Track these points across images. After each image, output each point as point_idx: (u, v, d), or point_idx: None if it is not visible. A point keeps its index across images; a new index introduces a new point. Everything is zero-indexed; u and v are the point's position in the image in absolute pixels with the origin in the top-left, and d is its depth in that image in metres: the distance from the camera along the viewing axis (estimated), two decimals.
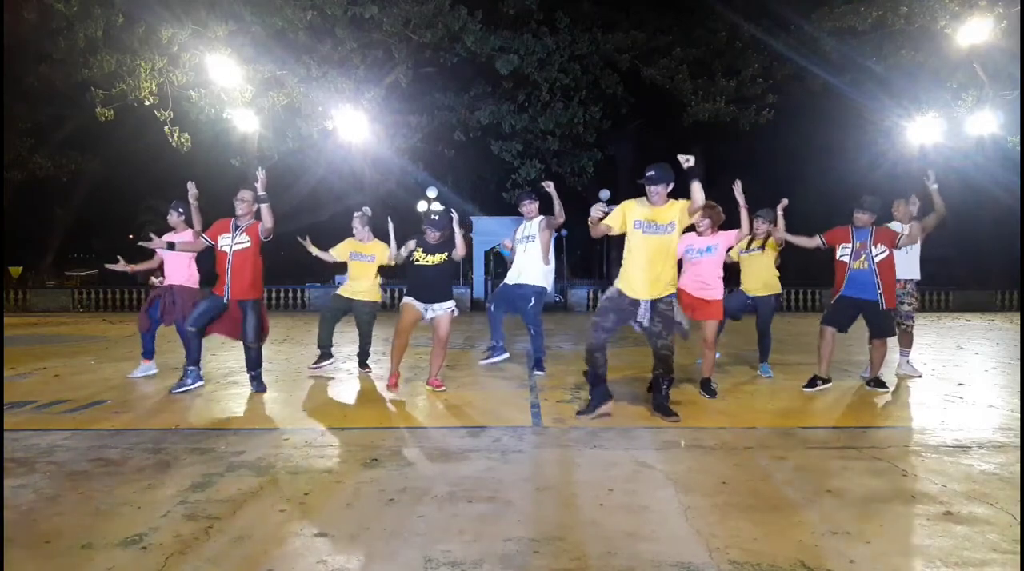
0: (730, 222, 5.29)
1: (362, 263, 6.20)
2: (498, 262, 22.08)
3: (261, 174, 5.12)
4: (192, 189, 5.51)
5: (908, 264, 6.08)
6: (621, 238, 4.51)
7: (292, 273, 19.88)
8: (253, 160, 14.84)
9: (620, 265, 4.51)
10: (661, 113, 20.69)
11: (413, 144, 20.25)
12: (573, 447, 3.75)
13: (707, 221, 5.27)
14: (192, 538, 2.45)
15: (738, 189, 4.95)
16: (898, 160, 15.59)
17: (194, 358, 5.40)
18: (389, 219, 5.92)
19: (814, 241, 5.56)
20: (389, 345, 5.66)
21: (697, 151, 4.15)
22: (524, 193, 6.47)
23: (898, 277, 5.98)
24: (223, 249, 5.24)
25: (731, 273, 5.71)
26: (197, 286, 6.02)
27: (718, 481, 3.12)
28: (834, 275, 5.48)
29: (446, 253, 5.28)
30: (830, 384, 5.43)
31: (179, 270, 5.94)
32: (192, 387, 5.37)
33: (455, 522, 2.62)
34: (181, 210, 5.96)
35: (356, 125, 15.31)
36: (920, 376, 6.17)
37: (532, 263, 6.11)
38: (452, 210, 5.34)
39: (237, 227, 5.28)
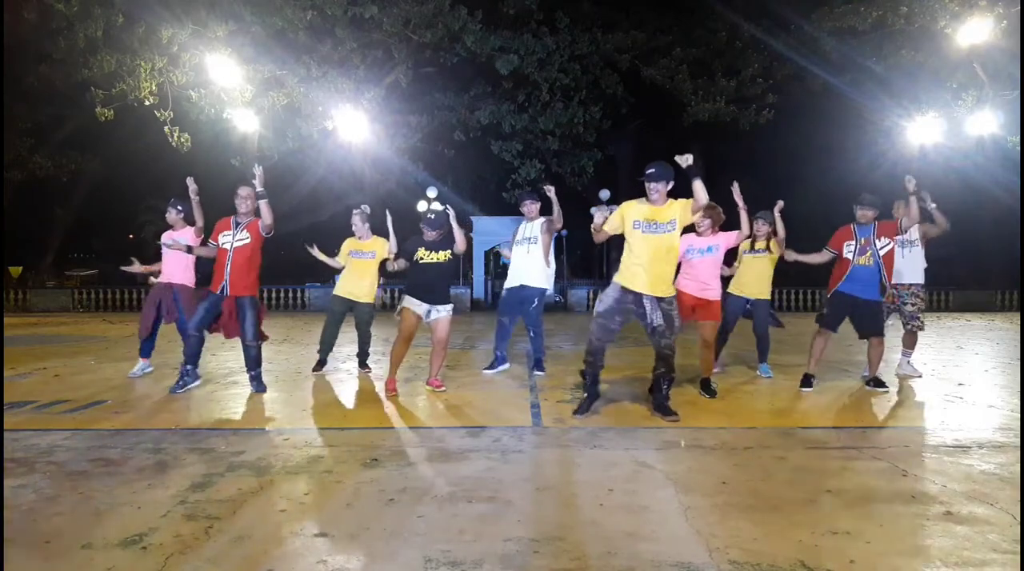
0: (730, 222, 5.30)
1: (363, 261, 6.19)
2: (498, 262, 22.09)
3: (258, 171, 5.13)
4: (192, 184, 5.52)
5: (912, 267, 6.07)
6: (621, 238, 4.51)
7: (292, 273, 19.86)
8: (253, 160, 14.76)
9: (620, 261, 4.50)
10: (661, 113, 20.68)
11: (413, 144, 20.24)
12: (573, 447, 3.75)
13: (707, 221, 5.28)
14: (192, 538, 2.45)
15: (736, 191, 4.96)
16: (898, 160, 15.57)
17: (193, 359, 5.41)
18: (387, 213, 5.92)
19: (823, 256, 5.50)
20: (389, 345, 5.66)
21: (697, 151, 4.15)
22: (526, 193, 6.47)
23: (903, 281, 5.99)
24: (224, 246, 5.25)
25: (724, 277, 5.71)
26: (194, 285, 6.04)
27: (718, 481, 3.12)
28: (833, 270, 5.47)
29: (449, 250, 5.28)
30: (815, 377, 5.49)
31: (179, 269, 5.96)
32: (190, 385, 5.40)
33: (455, 522, 2.62)
34: (180, 208, 5.98)
35: (356, 125, 15.30)
36: (920, 376, 6.17)
37: (534, 264, 6.11)
38: (448, 207, 5.34)
39: (238, 224, 5.29)
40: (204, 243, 5.58)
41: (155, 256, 6.31)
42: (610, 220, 4.41)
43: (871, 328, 5.35)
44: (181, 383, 5.36)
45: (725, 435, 4.01)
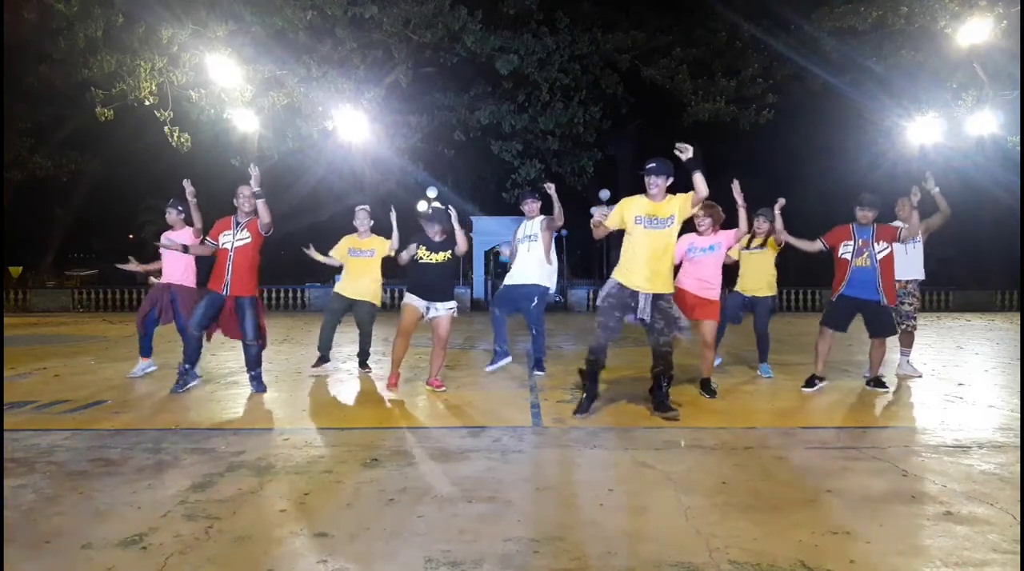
0: (730, 221, 5.30)
1: (362, 259, 6.18)
2: (498, 262, 22.09)
3: (255, 171, 5.13)
4: (189, 186, 5.52)
5: (911, 264, 6.07)
6: (621, 238, 4.52)
7: (292, 273, 19.87)
8: (253, 160, 14.81)
9: (620, 259, 4.51)
10: (661, 113, 20.69)
11: (413, 144, 20.25)
12: (573, 447, 3.75)
13: (708, 220, 5.28)
14: (192, 538, 2.45)
15: (736, 188, 4.96)
16: (898, 160, 15.59)
17: (193, 359, 5.41)
18: (392, 209, 5.93)
19: (815, 245, 5.52)
20: (389, 345, 5.66)
21: (696, 148, 4.15)
22: (526, 192, 6.48)
23: (900, 277, 5.98)
24: (224, 246, 5.25)
25: (727, 275, 5.71)
26: (194, 285, 6.04)
27: (718, 481, 3.12)
28: (834, 274, 5.48)
29: (449, 250, 5.28)
30: (825, 382, 5.46)
31: (178, 269, 5.96)
32: (190, 385, 5.40)
33: (455, 522, 2.62)
34: (180, 209, 5.98)
35: (356, 125, 15.31)
36: (920, 376, 6.17)
37: (535, 263, 6.10)
38: (451, 207, 5.34)
39: (238, 224, 5.29)
40: (203, 242, 5.59)
41: (155, 256, 6.31)
42: (610, 216, 4.42)
43: (883, 330, 5.34)
44: (181, 383, 5.36)
45: (725, 435, 4.01)
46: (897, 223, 5.82)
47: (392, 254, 5.92)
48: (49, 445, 3.75)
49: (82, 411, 4.68)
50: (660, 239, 4.30)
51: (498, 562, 2.27)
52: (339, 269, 6.46)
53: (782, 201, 5.65)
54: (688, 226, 4.94)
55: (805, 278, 17.87)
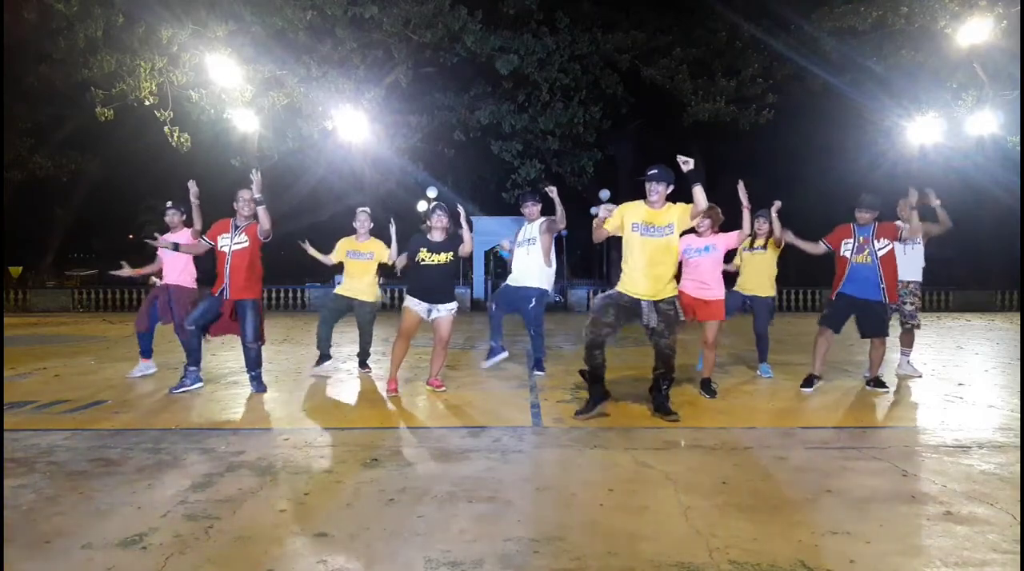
0: (731, 221, 5.29)
1: (360, 261, 6.18)
2: (498, 262, 22.07)
3: (256, 176, 5.11)
4: (193, 188, 5.51)
5: (911, 265, 6.07)
6: (620, 238, 4.51)
7: (292, 273, 19.87)
8: (253, 160, 14.84)
9: (620, 265, 4.51)
10: (661, 113, 20.68)
11: (413, 144, 20.25)
12: (573, 447, 3.75)
13: (707, 221, 5.27)
14: (192, 538, 2.45)
15: (742, 189, 4.93)
16: (898, 160, 15.59)
17: (195, 359, 5.40)
18: (391, 221, 5.92)
19: (818, 247, 5.53)
20: (389, 345, 5.66)
21: (697, 152, 4.15)
22: (527, 194, 6.47)
23: (901, 278, 5.99)
24: (222, 249, 5.25)
25: (728, 275, 5.71)
26: (194, 286, 6.03)
27: (718, 481, 3.12)
28: (835, 272, 5.48)
29: (451, 252, 5.25)
30: (821, 381, 5.47)
31: (176, 270, 5.96)
32: (191, 388, 5.36)
33: (455, 522, 2.62)
34: (182, 210, 5.98)
35: (356, 125, 15.30)
36: (920, 376, 6.17)
37: (534, 265, 6.11)
38: (460, 206, 5.33)
39: (236, 227, 5.29)
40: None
41: (152, 257, 6.29)
42: (611, 219, 4.41)
43: (875, 329, 5.34)
44: (181, 384, 5.35)
45: (725, 435, 4.01)
46: (899, 223, 5.82)
47: (390, 263, 5.92)
48: (49, 445, 3.75)
49: (82, 411, 4.68)
50: (658, 246, 4.29)
51: (498, 562, 2.27)
52: (339, 270, 6.46)
53: (778, 204, 5.64)
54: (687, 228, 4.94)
55: (805, 278, 17.86)
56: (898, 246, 5.51)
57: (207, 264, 5.59)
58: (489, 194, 24.19)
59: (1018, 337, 10.31)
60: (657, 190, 4.29)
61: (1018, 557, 2.31)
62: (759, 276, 6.09)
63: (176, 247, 5.55)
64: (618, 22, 19.80)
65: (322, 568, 2.23)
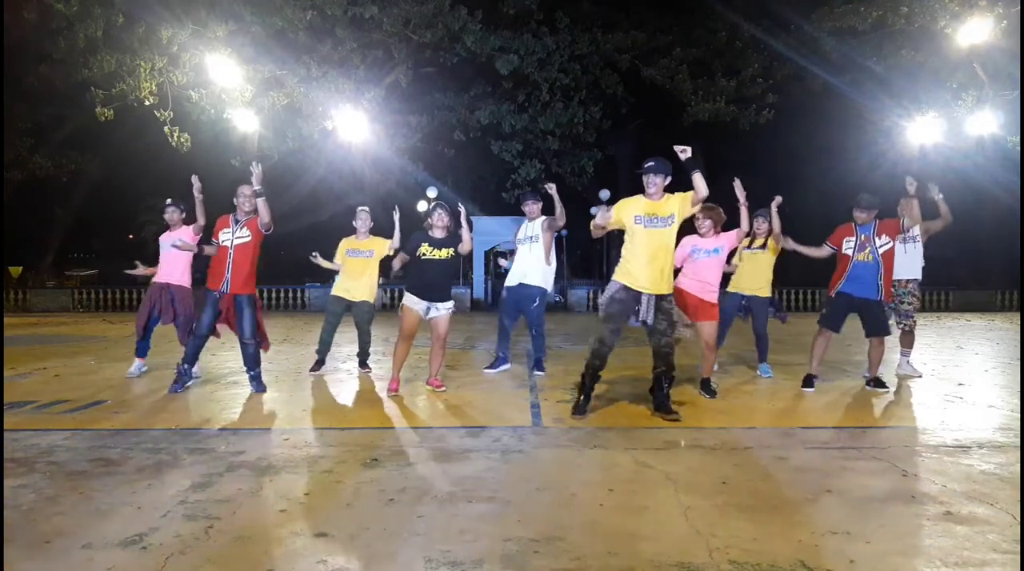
0: (730, 221, 5.30)
1: (359, 259, 6.18)
2: (498, 262, 22.06)
3: (256, 169, 5.13)
4: (197, 182, 5.52)
5: (911, 263, 6.07)
6: (621, 238, 4.51)
7: (292, 273, 19.86)
8: (253, 160, 14.81)
9: (621, 259, 4.50)
10: (661, 113, 20.67)
11: (413, 144, 20.23)
12: (573, 447, 3.75)
13: (708, 222, 5.28)
14: (192, 538, 2.45)
15: (738, 186, 4.95)
16: (898, 160, 15.57)
17: (192, 360, 5.42)
18: (396, 209, 5.94)
19: (823, 250, 5.54)
20: (389, 345, 5.66)
21: (697, 150, 4.15)
22: (527, 193, 6.47)
23: (900, 277, 5.99)
24: (224, 244, 5.26)
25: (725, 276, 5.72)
26: (190, 286, 6.04)
27: (718, 481, 3.12)
28: (835, 269, 5.48)
29: (452, 248, 5.27)
30: (817, 379, 5.48)
31: (176, 269, 5.96)
32: (188, 384, 5.42)
33: (455, 522, 2.62)
34: (182, 208, 5.99)
35: (356, 125, 15.29)
36: (920, 376, 6.17)
37: (535, 264, 6.12)
38: (460, 205, 5.34)
39: (237, 222, 5.30)
40: (204, 242, 5.58)
41: (155, 256, 6.31)
42: (608, 217, 4.42)
43: (877, 329, 5.35)
44: (179, 383, 5.36)
45: (725, 435, 4.01)
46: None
47: (391, 254, 5.92)
48: (49, 445, 3.75)
49: (82, 411, 4.68)
50: (661, 238, 4.30)
51: (498, 562, 2.27)
52: (338, 270, 6.47)
53: (779, 199, 5.64)
54: (690, 228, 4.94)
55: (805, 278, 17.85)
56: (898, 245, 5.51)
57: (203, 264, 5.59)
58: (489, 194, 24.17)
59: (1018, 337, 10.31)
60: (655, 182, 4.30)
61: (1018, 557, 2.31)
62: (758, 276, 6.09)
63: (202, 250, 5.55)
64: (618, 22, 19.79)
65: (322, 568, 2.23)
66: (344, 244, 6.28)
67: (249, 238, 5.26)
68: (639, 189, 4.44)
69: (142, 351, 6.21)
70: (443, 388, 5.43)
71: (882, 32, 14.75)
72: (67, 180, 21.39)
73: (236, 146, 15.54)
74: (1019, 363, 7.11)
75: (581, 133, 19.77)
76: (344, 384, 5.89)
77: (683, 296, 5.11)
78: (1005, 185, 15.92)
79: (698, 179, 4.13)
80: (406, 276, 5.42)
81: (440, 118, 20.01)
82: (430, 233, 5.25)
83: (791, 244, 5.65)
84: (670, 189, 4.38)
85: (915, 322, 6.21)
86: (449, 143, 20.77)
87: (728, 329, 6.22)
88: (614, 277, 4.47)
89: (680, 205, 4.29)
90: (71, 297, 19.63)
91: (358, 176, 21.15)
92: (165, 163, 17.07)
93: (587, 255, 29.97)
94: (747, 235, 5.44)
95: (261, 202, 5.12)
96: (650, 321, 4.32)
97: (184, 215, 5.99)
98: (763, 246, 6.03)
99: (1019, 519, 2.64)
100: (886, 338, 5.45)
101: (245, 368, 5.43)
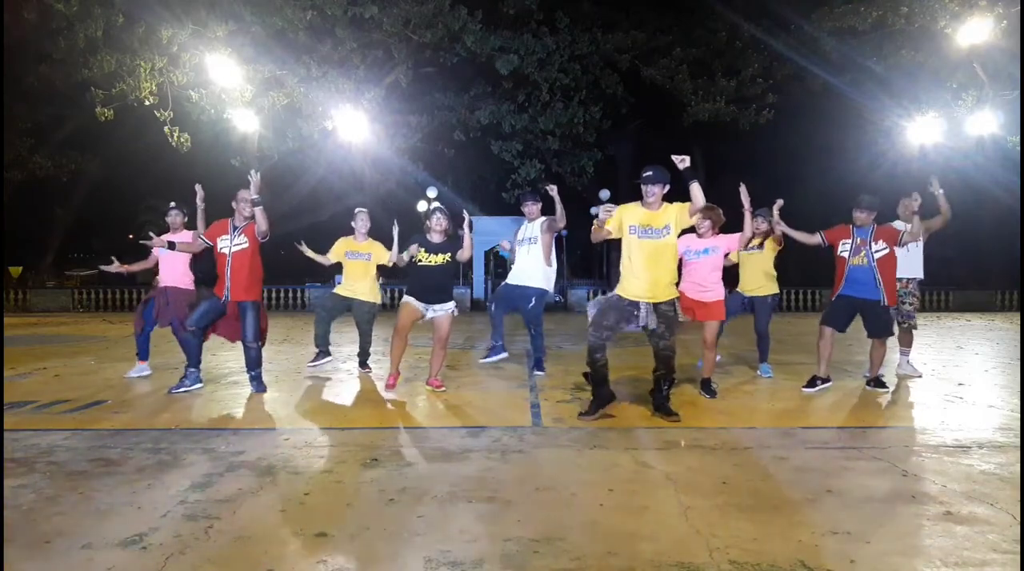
0: (731, 222, 5.29)
1: (359, 262, 6.18)
2: (498, 262, 22.07)
3: (255, 177, 5.11)
4: (200, 191, 5.48)
5: (911, 263, 6.07)
6: (621, 239, 4.51)
7: (292, 273, 19.86)
8: (253, 160, 14.83)
9: (619, 267, 4.51)
10: (661, 113, 20.67)
11: (413, 144, 20.24)
12: (573, 447, 3.75)
13: (707, 222, 5.27)
14: (192, 538, 2.45)
15: (743, 192, 4.91)
16: (898, 160, 15.57)
17: (195, 360, 5.41)
18: (395, 222, 5.93)
19: (814, 238, 5.54)
20: (389, 345, 5.67)
21: (697, 151, 4.15)
22: (527, 194, 6.47)
23: (901, 276, 5.98)
24: (222, 250, 5.25)
25: (729, 275, 5.71)
26: (192, 288, 6.02)
27: (718, 481, 3.12)
28: (835, 273, 5.48)
29: (449, 254, 5.27)
30: (830, 383, 5.43)
31: (174, 271, 5.94)
32: (191, 388, 5.36)
33: (455, 522, 2.62)
34: (184, 212, 5.97)
35: (356, 125, 15.29)
36: (920, 376, 6.17)
37: (534, 265, 6.11)
38: (466, 213, 5.32)
39: (235, 228, 5.29)
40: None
41: (147, 255, 6.27)
42: (611, 219, 4.42)
43: (879, 330, 5.35)
44: (181, 384, 5.35)
45: (725, 435, 4.01)
46: (899, 224, 5.81)
47: (389, 264, 5.93)
48: (49, 445, 3.75)
49: (82, 411, 4.68)
50: (656, 248, 4.29)
51: (498, 562, 2.27)
52: (339, 270, 6.46)
53: (780, 202, 5.64)
54: (687, 227, 4.92)
55: (805, 278, 17.86)
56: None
57: (206, 264, 5.58)
58: (489, 194, 24.18)
59: (1018, 337, 10.31)
60: (653, 192, 4.29)
61: (1018, 557, 2.31)
62: (757, 276, 6.09)
63: (172, 246, 5.54)
64: (618, 22, 19.80)
65: (322, 568, 2.23)
66: (343, 245, 6.27)
67: (247, 245, 5.25)
68: (638, 190, 4.43)
69: (143, 353, 6.20)
70: (443, 388, 5.43)
71: (882, 32, 14.75)
72: (67, 180, 21.39)
73: (236, 146, 15.55)
74: (1019, 363, 7.11)
75: (581, 133, 19.77)
76: (344, 384, 5.89)
77: (681, 297, 5.11)
78: (1005, 185, 15.93)
79: (695, 189, 4.10)
80: (406, 279, 5.42)
81: (440, 118, 20.01)
82: (428, 237, 5.25)
83: (783, 226, 5.63)
84: (669, 196, 4.38)
85: (915, 321, 6.21)
86: (449, 143, 20.78)
87: (723, 326, 6.20)
88: (615, 290, 4.47)
89: (678, 215, 4.27)
90: (71, 297, 19.65)
91: (358, 176, 21.16)
92: (165, 163, 17.09)
93: (587, 255, 29.99)
94: (749, 239, 5.42)
95: (259, 211, 5.10)
96: (651, 326, 4.32)
97: (186, 219, 5.97)
98: (759, 246, 6.03)
99: (1019, 519, 2.64)
100: (887, 338, 5.45)
101: (246, 368, 5.43)
